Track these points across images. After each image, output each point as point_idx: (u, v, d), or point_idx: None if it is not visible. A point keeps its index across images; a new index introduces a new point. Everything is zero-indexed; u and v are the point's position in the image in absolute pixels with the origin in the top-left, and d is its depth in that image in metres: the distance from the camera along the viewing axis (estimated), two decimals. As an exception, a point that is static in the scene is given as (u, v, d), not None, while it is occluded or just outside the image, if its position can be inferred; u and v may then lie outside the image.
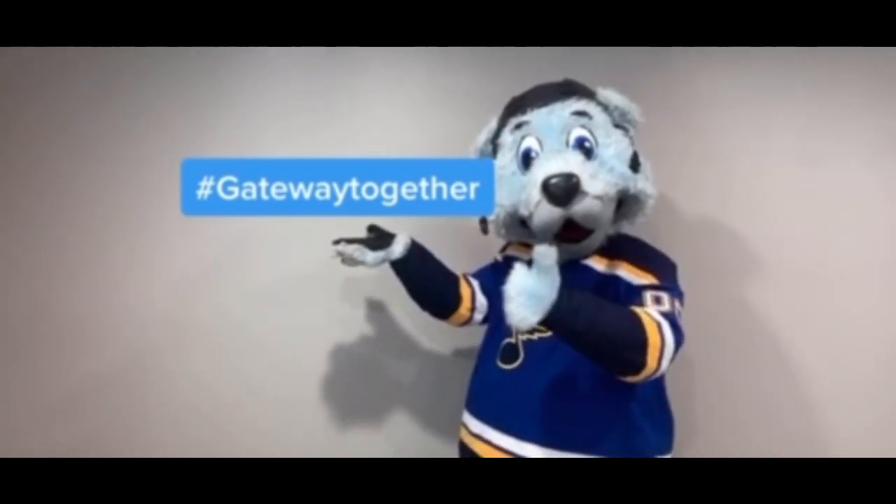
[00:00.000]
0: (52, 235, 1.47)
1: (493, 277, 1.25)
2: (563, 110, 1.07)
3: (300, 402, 1.47)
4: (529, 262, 0.87)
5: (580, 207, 0.99)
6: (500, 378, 1.10)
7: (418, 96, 1.50)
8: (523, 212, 1.04)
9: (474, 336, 1.29)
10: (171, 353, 1.47)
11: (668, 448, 1.09)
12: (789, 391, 1.39)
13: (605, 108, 1.09)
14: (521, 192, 1.04)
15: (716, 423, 1.40)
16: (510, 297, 0.85)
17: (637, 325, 0.92)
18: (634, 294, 1.02)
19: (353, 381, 1.49)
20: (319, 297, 1.48)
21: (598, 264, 1.10)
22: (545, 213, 1.00)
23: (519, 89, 1.42)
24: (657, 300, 1.01)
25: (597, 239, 1.09)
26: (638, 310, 0.96)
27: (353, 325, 1.49)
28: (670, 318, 0.97)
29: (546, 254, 0.85)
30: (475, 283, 1.28)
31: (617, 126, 1.09)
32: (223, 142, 1.49)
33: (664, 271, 1.07)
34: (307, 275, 1.47)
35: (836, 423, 1.38)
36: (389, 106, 1.50)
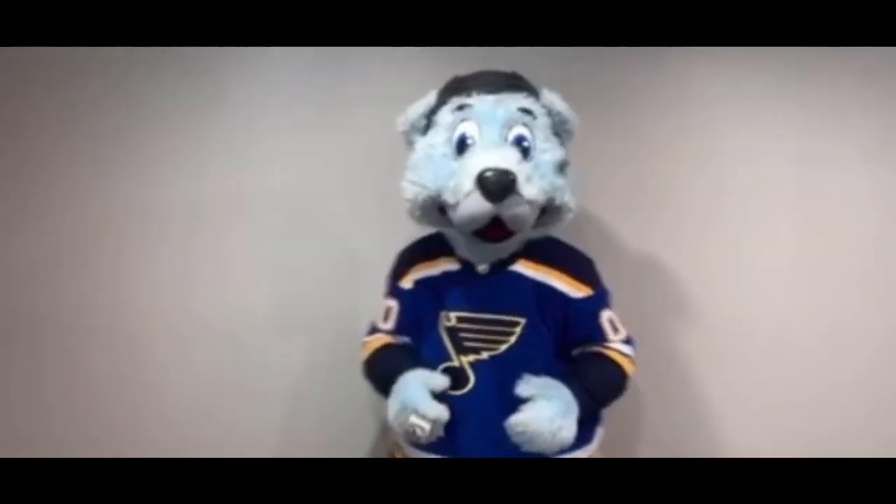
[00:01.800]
0: (47, 233, 1.47)
1: (413, 308, 1.15)
2: (510, 103, 1.03)
3: (276, 400, 1.49)
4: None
5: (511, 208, 0.96)
6: (452, 406, 1.04)
7: (415, 96, 1.50)
8: (449, 199, 0.98)
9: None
10: (163, 350, 1.48)
11: (590, 440, 1.10)
12: (788, 387, 1.43)
13: (548, 111, 1.07)
14: (449, 177, 0.99)
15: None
16: (552, 433, 0.94)
17: (622, 374, 1.09)
18: (591, 322, 1.09)
19: (328, 379, 1.49)
20: (301, 294, 1.49)
21: (528, 270, 1.09)
22: (475, 205, 0.95)
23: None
24: (614, 327, 1.11)
25: (515, 242, 1.07)
26: (614, 355, 1.09)
27: (328, 326, 1.49)
28: (628, 340, 1.11)
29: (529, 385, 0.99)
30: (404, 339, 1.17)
31: (554, 133, 1.07)
32: (219, 142, 1.49)
33: (594, 275, 1.13)
34: (290, 268, 1.49)
35: (832, 423, 1.41)
36: (386, 106, 1.50)
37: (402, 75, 1.42)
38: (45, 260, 1.46)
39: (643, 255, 1.44)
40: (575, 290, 1.08)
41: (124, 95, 1.46)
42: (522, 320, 1.06)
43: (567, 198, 1.03)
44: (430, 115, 1.09)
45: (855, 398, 1.40)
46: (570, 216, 1.06)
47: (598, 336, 1.08)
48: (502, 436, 0.98)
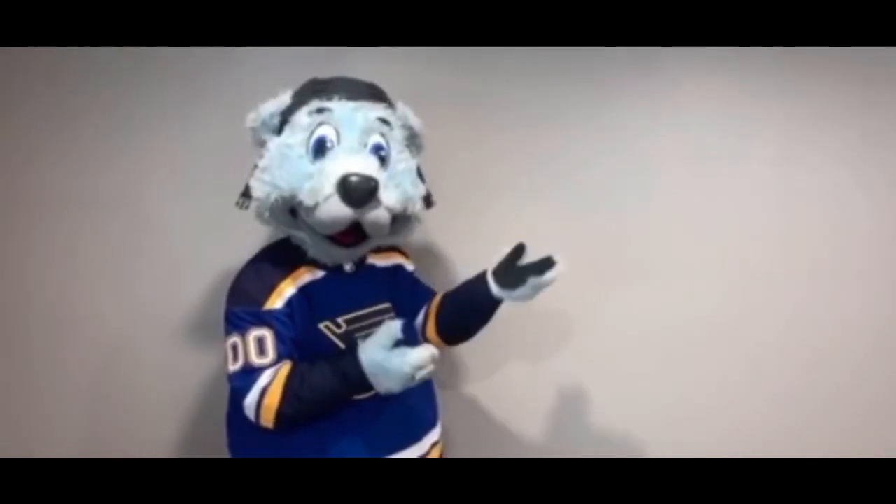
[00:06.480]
0: (40, 232, 1.45)
1: (288, 329, 1.04)
2: (370, 111, 1.05)
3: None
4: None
5: (372, 214, 0.99)
6: (371, 406, 1.05)
7: (408, 96, 1.49)
8: (306, 201, 0.97)
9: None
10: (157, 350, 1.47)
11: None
12: (784, 387, 1.46)
13: (403, 124, 1.11)
14: (305, 179, 0.98)
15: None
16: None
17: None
18: (422, 284, 1.24)
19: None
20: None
21: (378, 261, 1.18)
22: (335, 209, 0.97)
23: (509, 89, 1.44)
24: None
25: (367, 248, 1.11)
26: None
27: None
28: None
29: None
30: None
31: (406, 145, 1.11)
32: (215, 141, 1.47)
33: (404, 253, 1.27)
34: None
35: (835, 420, 1.46)
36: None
37: (400, 75, 1.41)
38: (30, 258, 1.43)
39: (632, 252, 1.46)
40: (410, 263, 1.24)
41: (118, 95, 1.44)
42: (389, 304, 1.14)
43: (418, 208, 1.08)
44: (286, 114, 1.06)
45: (849, 396, 1.44)
46: (418, 225, 1.12)
47: (431, 292, 1.23)
48: (409, 414, 1.10)
